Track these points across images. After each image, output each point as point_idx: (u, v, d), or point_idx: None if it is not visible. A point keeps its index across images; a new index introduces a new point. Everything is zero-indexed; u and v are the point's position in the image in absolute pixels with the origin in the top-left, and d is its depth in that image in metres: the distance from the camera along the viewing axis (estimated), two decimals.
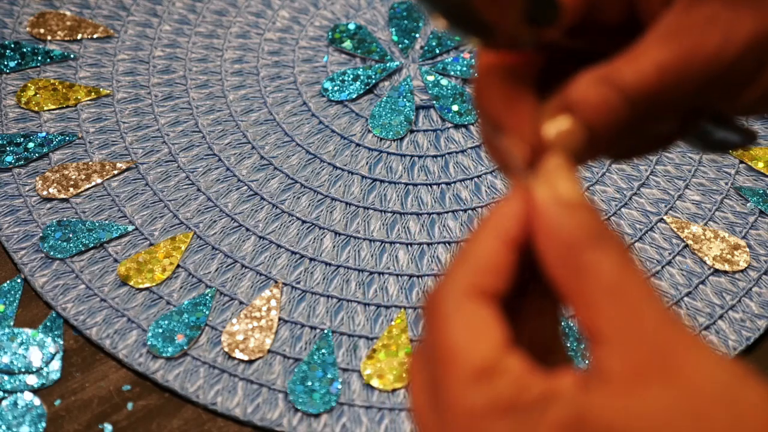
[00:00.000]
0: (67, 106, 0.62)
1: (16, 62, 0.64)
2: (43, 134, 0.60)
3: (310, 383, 0.51)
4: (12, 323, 0.53)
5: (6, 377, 0.51)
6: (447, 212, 0.59)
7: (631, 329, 0.28)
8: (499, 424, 0.28)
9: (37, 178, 0.58)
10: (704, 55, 0.30)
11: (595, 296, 0.29)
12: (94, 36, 0.66)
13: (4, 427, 0.49)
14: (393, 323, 0.54)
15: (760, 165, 0.61)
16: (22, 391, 0.51)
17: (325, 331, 0.53)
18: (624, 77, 0.30)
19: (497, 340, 0.30)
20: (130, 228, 0.57)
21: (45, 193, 0.58)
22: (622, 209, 0.59)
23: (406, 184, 0.60)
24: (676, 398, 0.27)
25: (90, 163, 0.59)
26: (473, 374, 0.29)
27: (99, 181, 0.59)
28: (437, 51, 0.66)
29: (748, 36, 0.30)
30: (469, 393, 0.29)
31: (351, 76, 0.64)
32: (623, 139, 0.33)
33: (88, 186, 0.58)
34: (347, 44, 0.66)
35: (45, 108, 0.62)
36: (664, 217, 0.59)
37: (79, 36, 0.65)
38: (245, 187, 0.59)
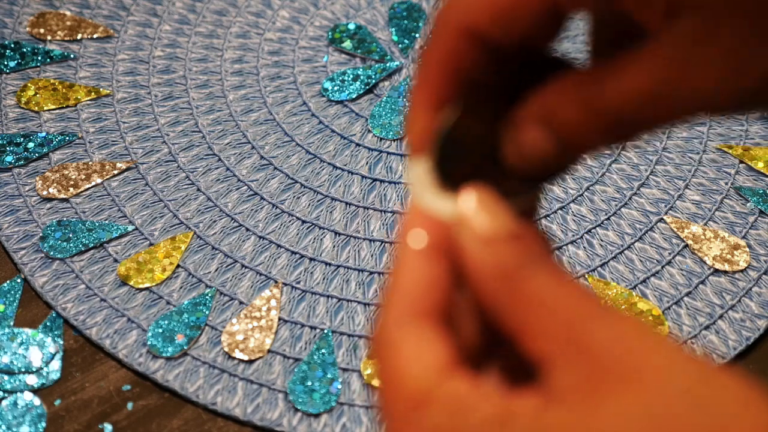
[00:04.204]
0: (67, 106, 0.62)
1: (16, 62, 0.64)
2: (43, 134, 0.60)
3: (310, 383, 0.51)
4: (12, 323, 0.53)
5: (6, 377, 0.51)
6: None
7: (575, 345, 0.28)
8: None
9: (37, 178, 0.58)
10: (709, 86, 0.29)
11: (532, 322, 0.28)
12: (94, 36, 0.66)
13: (4, 427, 0.49)
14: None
15: (760, 165, 0.61)
16: (22, 391, 0.51)
17: (325, 331, 0.53)
18: (609, 98, 0.29)
19: (436, 362, 0.29)
20: (130, 228, 0.57)
21: (45, 193, 0.58)
22: (622, 209, 0.59)
23: (406, 184, 0.60)
24: (634, 404, 0.26)
25: (90, 163, 0.59)
26: (410, 403, 0.29)
27: (99, 181, 0.59)
28: None
29: (760, 75, 0.28)
30: (407, 425, 0.28)
31: (351, 76, 0.64)
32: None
33: (88, 186, 0.58)
34: (347, 44, 0.66)
35: (45, 108, 0.62)
36: (664, 217, 0.59)
37: (79, 36, 0.65)
38: (245, 187, 0.59)
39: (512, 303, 0.29)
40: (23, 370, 0.51)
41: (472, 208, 0.31)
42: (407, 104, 0.36)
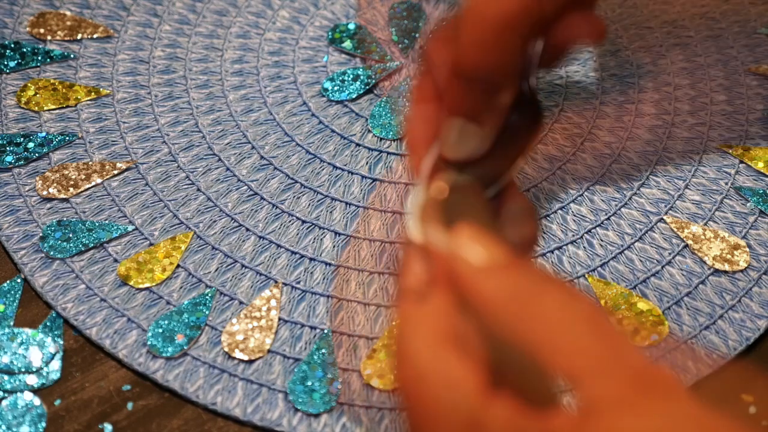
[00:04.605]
0: (67, 106, 0.62)
1: (16, 62, 0.64)
2: (43, 134, 0.60)
3: (310, 383, 0.51)
4: (12, 323, 0.53)
5: (6, 377, 0.51)
6: None
7: (602, 359, 0.29)
8: None
9: (37, 178, 0.58)
10: None
11: (555, 341, 0.29)
12: (94, 36, 0.66)
13: (4, 427, 0.49)
14: (393, 323, 0.54)
15: (760, 165, 0.61)
16: (22, 391, 0.51)
17: (325, 331, 0.53)
18: None
19: (474, 388, 0.30)
20: (130, 228, 0.57)
21: (45, 193, 0.58)
22: (622, 209, 0.59)
23: (406, 184, 0.60)
24: (670, 408, 0.28)
25: (90, 163, 0.59)
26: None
27: (99, 181, 0.59)
28: None
29: None
30: None
31: (351, 76, 0.64)
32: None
33: (88, 186, 0.58)
34: (347, 44, 0.66)
35: (45, 108, 0.62)
36: (664, 217, 0.59)
37: (79, 36, 0.65)
38: (245, 187, 0.59)
39: (530, 324, 0.30)
40: (23, 370, 0.51)
41: (466, 242, 0.32)
42: (405, 140, 0.40)
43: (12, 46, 0.64)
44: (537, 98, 0.39)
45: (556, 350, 0.29)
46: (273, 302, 0.54)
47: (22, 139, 0.60)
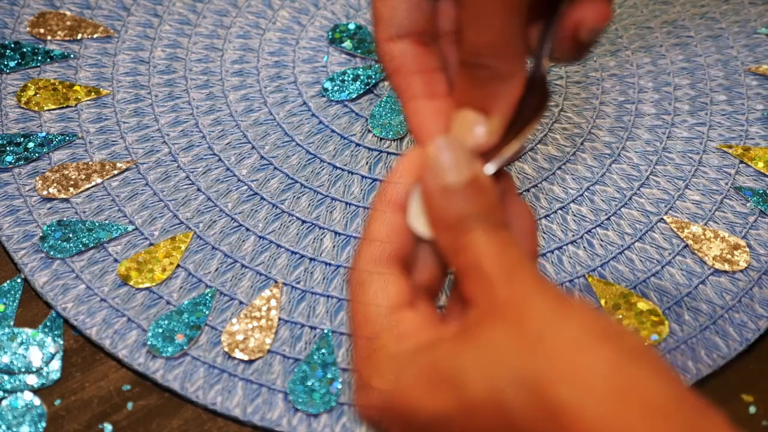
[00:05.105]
0: (67, 106, 0.62)
1: (16, 62, 0.64)
2: (43, 134, 0.60)
3: (310, 383, 0.51)
4: (12, 323, 0.53)
5: (6, 377, 0.51)
6: None
7: (490, 297, 0.34)
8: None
9: (37, 178, 0.58)
10: None
11: (468, 271, 0.34)
12: (94, 36, 0.66)
13: (4, 427, 0.49)
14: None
15: (760, 165, 0.61)
16: (22, 391, 0.51)
17: (325, 331, 0.53)
18: None
19: (390, 302, 0.35)
20: (130, 228, 0.57)
21: (45, 193, 0.58)
22: (622, 209, 0.59)
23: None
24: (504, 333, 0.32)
25: (90, 163, 0.59)
26: (369, 336, 0.35)
27: (99, 181, 0.59)
28: None
29: None
30: (365, 350, 0.35)
31: (351, 76, 0.64)
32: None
33: (88, 186, 0.58)
34: (347, 44, 0.66)
35: (45, 108, 0.62)
36: (664, 217, 0.59)
37: (79, 36, 0.65)
38: (245, 187, 0.59)
39: (455, 251, 0.35)
40: (23, 370, 0.51)
41: (441, 152, 0.36)
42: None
43: (12, 46, 0.64)
44: (546, 84, 0.39)
45: (466, 278, 0.35)
46: (273, 302, 0.54)
47: (22, 139, 0.60)
